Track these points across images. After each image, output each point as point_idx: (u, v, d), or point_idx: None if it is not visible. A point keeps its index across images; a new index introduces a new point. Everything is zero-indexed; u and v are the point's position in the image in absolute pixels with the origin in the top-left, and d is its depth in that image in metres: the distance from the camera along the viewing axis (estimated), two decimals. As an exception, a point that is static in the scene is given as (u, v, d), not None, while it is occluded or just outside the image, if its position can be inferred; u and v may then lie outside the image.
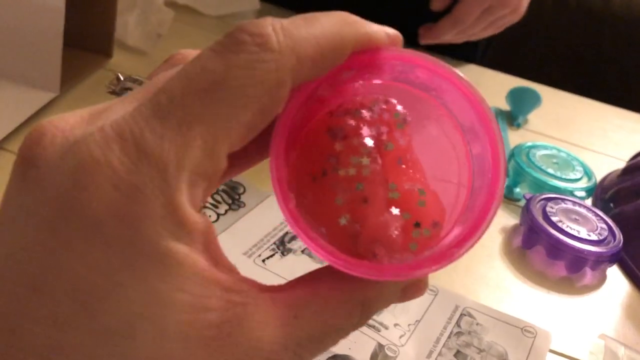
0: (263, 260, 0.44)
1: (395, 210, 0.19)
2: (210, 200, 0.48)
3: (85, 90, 0.59)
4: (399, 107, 0.20)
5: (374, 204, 0.18)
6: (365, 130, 0.19)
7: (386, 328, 0.42)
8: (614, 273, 0.53)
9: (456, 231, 0.19)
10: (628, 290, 0.51)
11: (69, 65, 0.55)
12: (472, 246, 0.18)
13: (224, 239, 0.45)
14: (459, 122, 0.20)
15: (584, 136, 0.75)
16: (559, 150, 0.63)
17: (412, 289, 0.20)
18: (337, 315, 0.18)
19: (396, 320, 0.42)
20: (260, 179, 0.51)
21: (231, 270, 0.17)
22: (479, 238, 0.18)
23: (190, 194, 0.16)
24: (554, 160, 0.61)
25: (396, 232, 0.18)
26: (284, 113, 0.18)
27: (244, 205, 0.49)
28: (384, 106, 0.20)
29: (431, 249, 0.19)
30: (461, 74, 0.19)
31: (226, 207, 0.48)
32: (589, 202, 0.60)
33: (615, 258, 0.51)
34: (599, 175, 0.63)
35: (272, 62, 0.16)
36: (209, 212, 0.47)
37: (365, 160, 0.19)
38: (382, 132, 0.19)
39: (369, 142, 0.19)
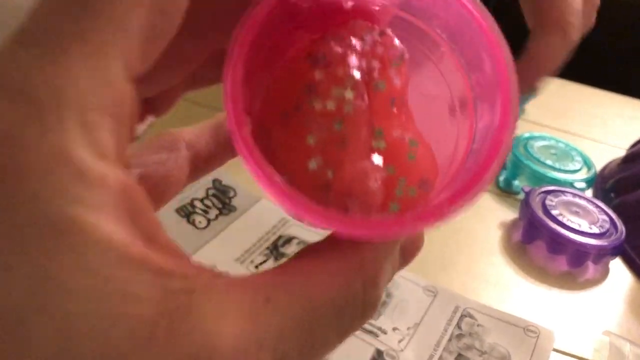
0: (256, 267, 0.43)
1: (377, 159, 0.15)
2: (200, 205, 0.47)
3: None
4: (396, 41, 0.17)
5: (353, 148, 0.15)
6: (353, 61, 0.16)
7: (384, 332, 0.40)
8: (617, 266, 0.51)
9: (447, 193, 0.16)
10: (631, 283, 0.50)
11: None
12: (469, 202, 0.14)
13: (216, 246, 0.44)
14: (464, 59, 0.17)
15: (582, 125, 0.74)
16: (557, 141, 0.62)
17: (409, 248, 0.16)
18: (330, 286, 0.14)
19: (394, 324, 0.41)
20: (251, 182, 0.50)
21: (174, 252, 0.13)
22: (479, 193, 0.14)
23: (91, 138, 0.12)
24: (552, 151, 0.60)
25: (376, 186, 0.15)
26: (250, 15, 0.15)
27: (235, 209, 0.48)
28: (379, 38, 0.16)
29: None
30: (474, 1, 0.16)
31: (217, 211, 0.47)
32: (589, 193, 0.58)
33: (617, 251, 0.50)
34: (598, 165, 0.61)
35: None
36: (198, 218, 0.46)
37: (349, 94, 0.15)
38: (373, 68, 0.16)
39: (357, 74, 0.16)
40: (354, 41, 0.16)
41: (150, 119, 0.18)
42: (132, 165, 0.18)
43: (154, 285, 0.12)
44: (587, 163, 0.60)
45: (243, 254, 0.44)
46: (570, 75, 0.89)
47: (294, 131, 0.16)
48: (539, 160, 0.57)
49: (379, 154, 0.16)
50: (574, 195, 0.53)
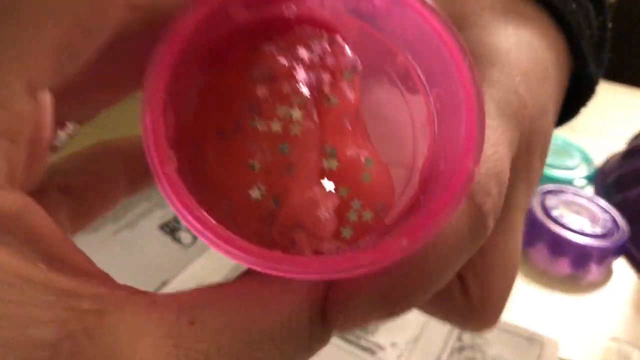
0: (245, 284, 0.41)
1: (329, 185, 0.14)
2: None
3: None
4: (348, 50, 0.15)
5: (302, 174, 0.14)
6: (301, 74, 0.14)
7: (382, 349, 0.39)
8: (620, 266, 0.50)
9: (399, 220, 0.14)
10: (636, 284, 0.48)
11: None
12: (431, 237, 0.13)
13: (203, 264, 0.42)
14: (422, 71, 0.15)
15: (579, 117, 0.72)
16: (555, 137, 0.60)
17: (394, 293, 0.14)
18: (272, 314, 0.12)
19: (393, 339, 0.39)
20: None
21: (86, 271, 0.12)
22: (442, 225, 0.13)
23: None
24: (551, 148, 0.58)
25: (327, 216, 0.14)
26: (172, 31, 0.13)
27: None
28: (328, 47, 0.15)
29: (368, 240, 0.14)
30: (431, 3, 0.14)
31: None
32: (590, 189, 0.57)
33: (620, 251, 0.48)
34: (598, 160, 0.60)
35: None
36: (184, 234, 0.44)
37: (297, 114, 0.14)
38: (323, 82, 0.14)
39: (305, 90, 0.14)
40: (301, 51, 0.14)
41: (71, 127, 0.16)
42: (54, 175, 0.17)
43: (56, 307, 0.11)
44: (586, 159, 0.58)
45: (231, 271, 0.42)
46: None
47: (234, 154, 0.14)
48: (537, 158, 0.56)
49: (331, 174, 0.14)
50: (574, 194, 0.51)
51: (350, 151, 0.14)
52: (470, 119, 0.13)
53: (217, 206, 0.13)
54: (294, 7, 0.15)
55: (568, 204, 0.50)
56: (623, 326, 0.44)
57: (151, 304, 0.12)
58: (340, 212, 0.14)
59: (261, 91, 0.14)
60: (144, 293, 0.12)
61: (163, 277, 0.40)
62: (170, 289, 0.39)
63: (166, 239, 0.43)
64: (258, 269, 0.12)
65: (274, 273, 0.12)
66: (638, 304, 0.46)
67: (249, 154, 0.14)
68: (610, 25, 0.29)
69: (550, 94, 0.23)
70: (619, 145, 0.64)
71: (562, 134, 0.61)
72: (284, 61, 0.14)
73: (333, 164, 0.14)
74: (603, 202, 0.51)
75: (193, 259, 0.42)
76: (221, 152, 0.14)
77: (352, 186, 0.14)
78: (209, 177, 0.14)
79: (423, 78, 0.15)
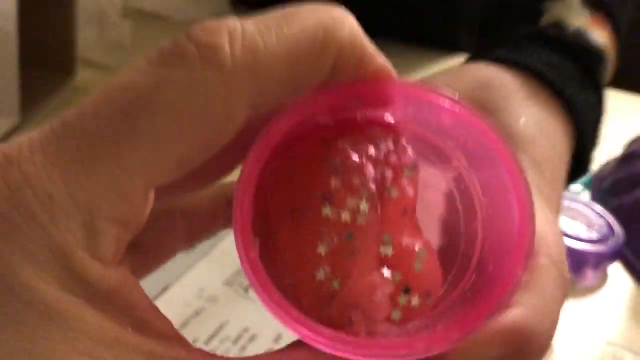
0: (246, 290, 0.42)
1: (386, 272, 0.16)
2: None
3: (51, 113, 0.56)
4: (410, 151, 0.17)
5: (363, 260, 0.15)
6: (369, 170, 0.16)
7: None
8: (616, 271, 0.50)
9: (447, 308, 0.16)
10: (632, 289, 0.49)
11: (31, 89, 0.52)
12: (475, 333, 0.15)
13: (204, 268, 0.43)
14: (479, 184, 0.17)
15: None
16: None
17: None
18: None
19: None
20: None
21: (168, 336, 0.14)
22: (486, 324, 0.15)
23: (93, 242, 0.13)
24: (547, 154, 0.58)
25: (383, 300, 0.15)
26: (265, 136, 0.15)
27: (223, 228, 0.46)
28: (392, 146, 0.17)
29: (415, 323, 0.16)
30: (496, 129, 0.16)
31: (204, 231, 0.46)
32: (586, 194, 0.57)
33: (616, 256, 0.49)
34: (594, 165, 0.60)
35: (220, 84, 0.13)
36: (185, 240, 0.44)
37: (364, 206, 0.16)
38: (386, 177, 0.16)
39: (372, 185, 0.16)
40: (370, 148, 0.16)
41: None
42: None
43: None
44: (583, 164, 0.59)
45: (232, 276, 0.43)
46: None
47: (304, 236, 0.16)
48: (533, 164, 0.56)
49: (387, 260, 0.16)
50: (570, 199, 0.52)
51: (406, 241, 0.16)
52: (522, 231, 0.15)
53: (282, 280, 0.15)
54: (367, 113, 0.17)
55: (564, 210, 0.51)
56: (619, 330, 0.45)
57: None
58: (392, 296, 0.16)
59: (335, 182, 0.16)
60: (214, 356, 0.14)
61: (164, 282, 0.40)
62: (172, 293, 0.40)
63: (167, 245, 0.44)
64: (326, 349, 0.14)
65: (340, 354, 0.14)
66: (634, 309, 0.47)
67: (318, 237, 0.15)
68: (604, 113, 0.34)
69: (564, 178, 0.26)
70: (615, 151, 0.64)
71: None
72: (355, 157, 0.16)
73: (389, 250, 0.16)
74: (599, 208, 0.52)
75: (195, 262, 0.43)
76: (292, 232, 0.16)
77: (404, 273, 0.16)
78: (277, 252, 0.16)
79: (477, 186, 0.17)
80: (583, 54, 0.31)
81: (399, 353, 0.14)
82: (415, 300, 0.16)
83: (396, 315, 0.16)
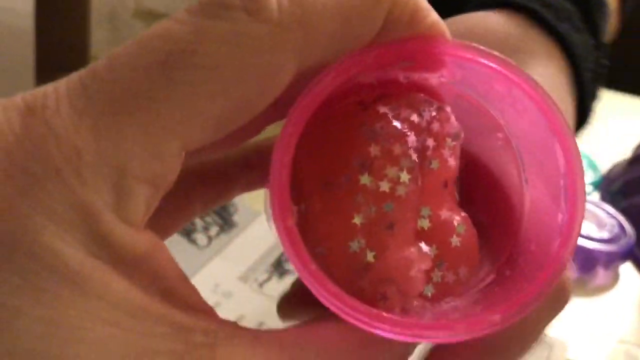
0: (260, 285, 0.42)
1: (424, 247, 0.15)
2: (200, 222, 0.46)
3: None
4: (453, 119, 0.16)
5: (401, 233, 0.15)
6: (411, 139, 0.15)
7: None
8: (627, 270, 0.50)
9: (484, 287, 0.15)
10: (643, 288, 0.49)
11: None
12: (521, 317, 0.14)
13: (218, 264, 0.43)
14: (523, 156, 0.16)
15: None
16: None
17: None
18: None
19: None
20: (252, 196, 0.49)
21: (197, 307, 0.13)
22: (532, 308, 0.14)
23: (122, 203, 0.12)
24: (557, 154, 0.59)
25: (419, 275, 0.15)
26: (308, 95, 0.14)
27: (237, 225, 0.47)
28: (435, 114, 0.15)
29: (449, 301, 0.15)
30: (548, 95, 0.14)
31: (217, 228, 0.46)
32: (596, 195, 0.57)
33: (627, 255, 0.49)
34: (604, 166, 0.60)
35: (266, 37, 0.12)
36: (199, 236, 0.45)
37: (405, 177, 0.15)
38: (428, 146, 0.15)
39: (413, 154, 0.15)
40: (411, 115, 0.15)
41: None
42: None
43: (173, 339, 0.12)
44: (592, 166, 0.59)
45: (246, 272, 0.43)
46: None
47: (339, 206, 0.15)
48: (544, 164, 0.57)
49: (423, 234, 0.15)
50: (581, 199, 0.52)
51: (445, 214, 0.15)
52: (572, 216, 0.14)
53: (312, 250, 0.14)
54: (412, 75, 0.15)
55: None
56: (630, 328, 0.45)
57: (255, 340, 0.13)
58: (427, 271, 0.15)
59: (374, 150, 0.15)
60: (247, 329, 0.13)
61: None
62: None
63: (182, 240, 0.44)
64: (361, 325, 0.13)
65: (376, 331, 0.13)
66: (645, 308, 0.47)
67: (354, 207, 0.15)
68: (606, 62, 0.31)
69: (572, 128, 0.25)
70: (625, 152, 0.64)
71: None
72: (396, 123, 0.15)
73: (426, 223, 0.15)
74: (609, 208, 0.52)
75: (209, 259, 0.43)
76: (326, 201, 0.15)
77: (440, 247, 0.15)
78: (308, 221, 0.15)
79: (520, 158, 0.16)
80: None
81: (438, 335, 0.14)
82: (449, 276, 0.15)
83: (428, 290, 0.15)
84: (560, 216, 0.14)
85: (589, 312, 0.46)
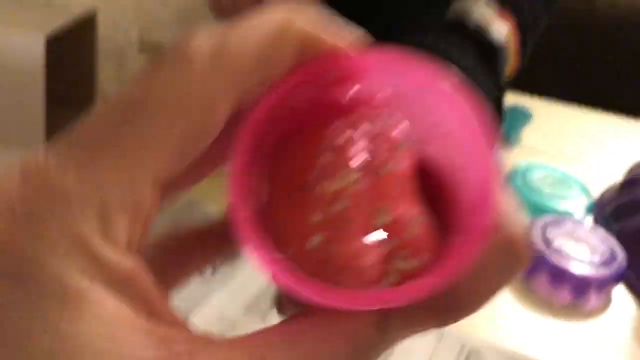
0: (265, 315, 0.44)
1: (379, 235, 0.17)
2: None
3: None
4: (404, 124, 0.18)
5: (356, 226, 0.17)
6: (362, 143, 0.17)
7: (393, 376, 0.41)
8: (619, 293, 0.52)
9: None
10: (635, 312, 0.50)
11: (54, 125, 0.55)
12: (454, 277, 0.16)
13: (224, 294, 0.45)
14: (455, 150, 0.18)
15: (578, 148, 0.75)
16: (553, 170, 0.62)
17: (445, 305, 0.17)
18: (333, 346, 0.15)
19: (402, 366, 0.41)
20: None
21: (176, 323, 0.15)
22: (461, 271, 0.16)
23: (107, 229, 0.14)
24: (549, 181, 0.60)
25: (370, 263, 0.17)
26: (252, 116, 0.16)
27: (241, 255, 0.48)
28: (387, 121, 0.18)
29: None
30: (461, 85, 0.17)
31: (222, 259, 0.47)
32: (589, 219, 0.59)
33: (619, 279, 0.50)
34: (596, 191, 0.62)
35: (194, 77, 0.15)
36: (205, 267, 0.46)
37: (355, 175, 0.17)
38: (382, 150, 0.17)
39: (365, 156, 0.17)
40: (365, 125, 0.18)
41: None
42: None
43: (159, 349, 0.14)
44: (585, 190, 0.61)
45: (251, 302, 0.44)
46: (560, 94, 0.90)
47: (300, 209, 0.17)
48: (538, 192, 0.58)
49: (383, 229, 0.17)
50: (574, 223, 0.54)
51: (402, 209, 0.17)
52: (486, 187, 0.16)
53: (285, 253, 0.16)
54: (354, 89, 0.18)
55: (568, 234, 0.53)
56: (623, 352, 0.46)
57: (228, 344, 0.15)
58: (386, 262, 0.17)
59: (331, 156, 0.17)
60: (221, 338, 0.15)
61: (184, 309, 0.42)
62: (193, 321, 0.42)
63: (188, 272, 0.46)
64: (315, 297, 0.15)
65: (335, 304, 0.15)
66: (637, 331, 0.48)
67: (313, 208, 0.17)
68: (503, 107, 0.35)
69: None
70: (617, 176, 0.66)
71: (562, 164, 0.63)
72: (348, 131, 0.17)
73: (386, 218, 0.17)
74: (602, 232, 0.53)
75: (213, 291, 0.45)
76: (289, 209, 0.17)
77: (398, 240, 0.17)
78: (278, 230, 0.17)
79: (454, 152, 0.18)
80: (482, 45, 0.32)
81: (389, 298, 0.16)
82: (411, 263, 0.17)
83: (394, 277, 0.17)
84: (479, 192, 0.16)
85: (582, 337, 0.47)
